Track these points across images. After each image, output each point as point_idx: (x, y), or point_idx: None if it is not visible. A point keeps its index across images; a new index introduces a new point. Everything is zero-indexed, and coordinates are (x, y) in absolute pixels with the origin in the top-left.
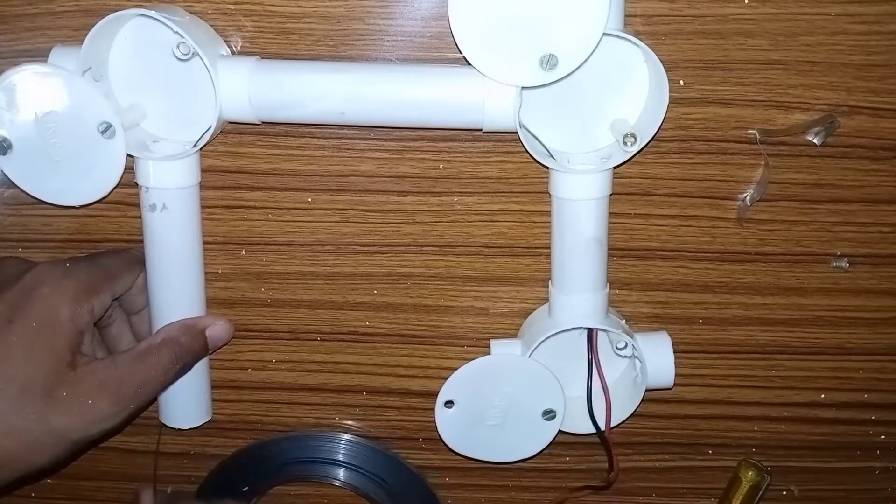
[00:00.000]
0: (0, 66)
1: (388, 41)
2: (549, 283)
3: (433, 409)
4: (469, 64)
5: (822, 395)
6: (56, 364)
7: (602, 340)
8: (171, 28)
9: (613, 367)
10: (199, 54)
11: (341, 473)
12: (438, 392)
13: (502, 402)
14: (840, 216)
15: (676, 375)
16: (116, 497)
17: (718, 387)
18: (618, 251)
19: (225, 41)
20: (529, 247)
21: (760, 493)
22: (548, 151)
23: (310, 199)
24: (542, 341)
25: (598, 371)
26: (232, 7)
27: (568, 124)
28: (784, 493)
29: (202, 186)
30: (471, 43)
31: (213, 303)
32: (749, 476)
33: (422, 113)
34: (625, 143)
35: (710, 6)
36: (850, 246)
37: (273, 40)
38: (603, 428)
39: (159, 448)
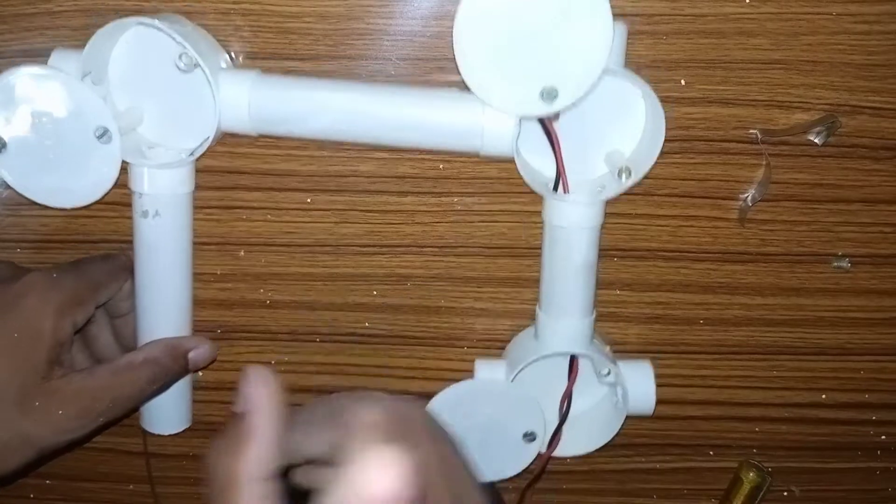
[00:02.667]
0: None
1: (388, 41)
2: (537, 305)
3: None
4: (470, 90)
5: (823, 396)
6: (33, 374)
7: (586, 366)
8: (174, 39)
9: (595, 392)
10: (201, 66)
11: None
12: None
13: (484, 423)
14: (841, 216)
15: (677, 376)
16: (115, 498)
17: (719, 387)
18: (619, 251)
19: (223, 42)
20: (529, 247)
21: (761, 493)
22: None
23: (309, 200)
24: (526, 366)
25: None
26: (230, 6)
27: (564, 153)
28: (785, 493)
29: (200, 187)
30: (474, 72)
31: (211, 304)
32: (750, 477)
33: (421, 136)
34: (619, 177)
35: (710, 5)
36: (851, 246)
37: (272, 40)
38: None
39: (147, 449)
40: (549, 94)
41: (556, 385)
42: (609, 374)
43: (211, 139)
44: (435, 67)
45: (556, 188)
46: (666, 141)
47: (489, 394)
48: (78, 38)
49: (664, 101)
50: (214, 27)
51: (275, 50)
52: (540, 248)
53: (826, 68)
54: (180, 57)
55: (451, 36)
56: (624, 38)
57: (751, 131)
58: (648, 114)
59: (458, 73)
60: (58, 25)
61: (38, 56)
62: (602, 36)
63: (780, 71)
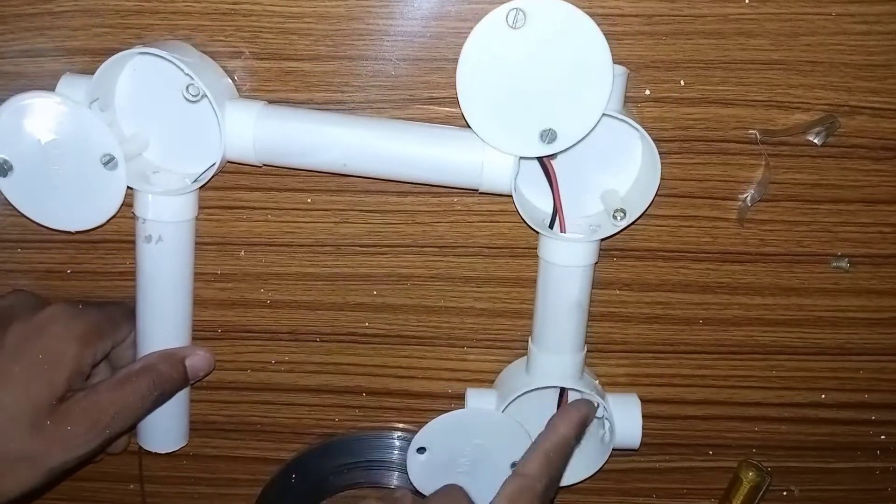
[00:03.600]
0: (0, 66)
1: (388, 41)
2: (530, 338)
3: (433, 411)
4: (471, 128)
5: (823, 396)
6: (49, 397)
7: (575, 398)
8: (182, 70)
9: None
10: (208, 97)
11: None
12: (438, 393)
13: (473, 452)
14: (841, 216)
15: (677, 376)
16: (116, 498)
17: (719, 387)
18: (618, 251)
19: (225, 50)
20: (529, 248)
21: (761, 493)
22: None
23: (309, 200)
24: (517, 397)
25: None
26: (231, 6)
27: (560, 190)
28: (784, 493)
29: (201, 186)
30: (476, 113)
31: (211, 304)
32: (750, 477)
33: (421, 172)
34: (614, 217)
35: (710, 6)
36: (850, 246)
37: (272, 40)
38: None
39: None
40: (549, 137)
41: (545, 415)
42: (597, 408)
43: (215, 168)
44: (434, 68)
45: (552, 225)
46: (665, 141)
47: (480, 423)
48: (79, 38)
49: (663, 101)
50: (214, 27)
51: (275, 50)
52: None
53: (825, 69)
54: (188, 88)
55: (451, 37)
56: (624, 81)
57: (750, 131)
58: (645, 155)
59: (457, 76)
60: (58, 26)
61: (39, 56)
62: (602, 81)
63: (779, 71)
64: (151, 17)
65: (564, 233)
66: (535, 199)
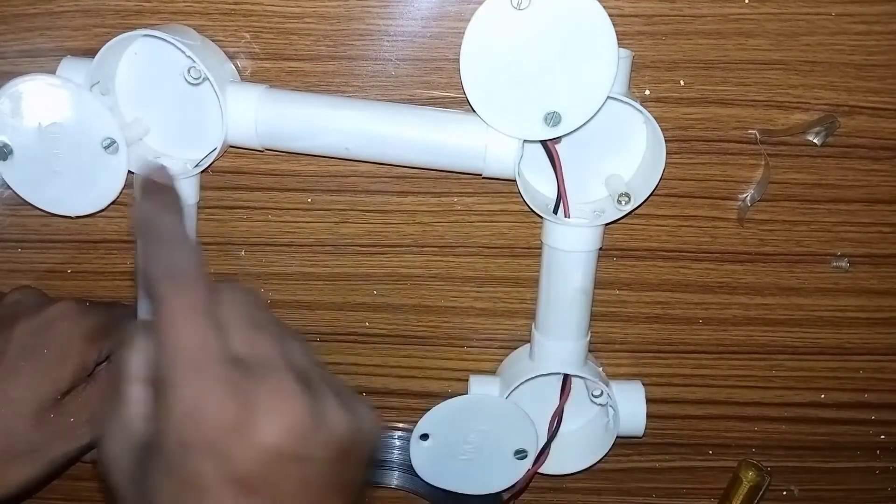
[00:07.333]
0: (0, 66)
1: (388, 41)
2: (533, 324)
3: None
4: (475, 112)
5: (823, 396)
6: (54, 392)
7: (578, 385)
8: (184, 52)
9: (586, 411)
10: (210, 80)
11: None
12: (438, 393)
13: (477, 438)
14: (840, 216)
15: (676, 376)
16: None
17: (719, 387)
18: (618, 251)
19: (226, 50)
20: (529, 247)
21: (761, 493)
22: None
23: (309, 200)
24: (521, 384)
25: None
26: (231, 6)
27: (564, 174)
28: (784, 493)
29: (201, 187)
30: (480, 96)
31: None
32: (749, 476)
33: (424, 156)
34: (619, 202)
35: (710, 6)
36: (850, 246)
37: (272, 40)
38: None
39: None
40: (553, 119)
41: (549, 402)
42: (601, 395)
43: (217, 152)
44: (434, 68)
45: (556, 210)
46: (665, 141)
47: (484, 410)
48: (78, 38)
49: (663, 101)
50: (215, 27)
51: (275, 50)
52: (540, 248)
53: (825, 68)
54: (189, 70)
55: (451, 37)
56: (629, 64)
57: (750, 131)
58: (649, 140)
59: (457, 75)
60: (59, 26)
61: (39, 56)
62: (606, 63)
63: (779, 71)
64: (151, 17)
65: (569, 218)
66: (538, 185)
